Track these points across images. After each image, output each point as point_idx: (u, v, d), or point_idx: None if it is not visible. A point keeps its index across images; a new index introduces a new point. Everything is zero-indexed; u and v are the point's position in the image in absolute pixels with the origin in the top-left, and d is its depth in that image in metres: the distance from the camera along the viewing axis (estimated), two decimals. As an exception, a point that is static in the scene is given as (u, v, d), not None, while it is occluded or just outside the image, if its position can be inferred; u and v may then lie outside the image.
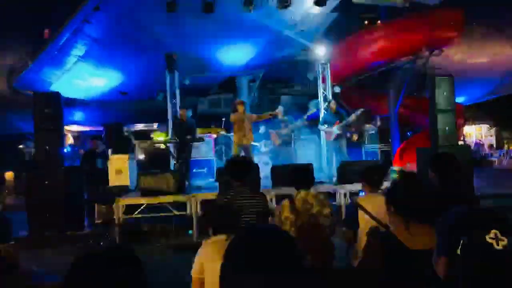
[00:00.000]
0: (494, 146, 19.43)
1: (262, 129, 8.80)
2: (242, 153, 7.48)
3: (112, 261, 0.91)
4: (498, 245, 0.95)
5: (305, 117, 8.52)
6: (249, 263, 0.81)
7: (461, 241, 0.98)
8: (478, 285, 0.95)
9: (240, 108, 7.54)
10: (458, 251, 0.98)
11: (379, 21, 11.62)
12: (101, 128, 11.93)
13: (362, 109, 7.90)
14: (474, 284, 0.96)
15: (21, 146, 13.61)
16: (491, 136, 20.86)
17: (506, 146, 19.14)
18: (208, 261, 2.23)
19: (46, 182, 6.51)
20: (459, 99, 11.65)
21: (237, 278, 0.81)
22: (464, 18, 10.29)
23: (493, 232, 0.96)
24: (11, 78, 10.30)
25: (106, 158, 7.84)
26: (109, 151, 8.58)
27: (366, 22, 11.66)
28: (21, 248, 4.16)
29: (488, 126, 20.91)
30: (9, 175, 11.22)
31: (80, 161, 7.83)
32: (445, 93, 7.13)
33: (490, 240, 0.96)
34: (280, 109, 8.60)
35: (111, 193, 6.70)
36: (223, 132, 10.13)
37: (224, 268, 0.85)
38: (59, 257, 5.03)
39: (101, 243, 5.70)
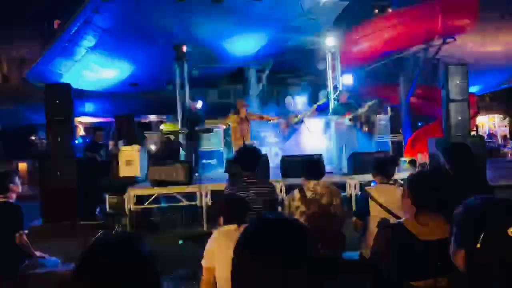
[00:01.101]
0: (508, 136, 19.08)
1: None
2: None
3: (122, 250, 0.90)
4: None
5: (315, 107, 8.45)
6: (262, 252, 0.80)
7: (482, 235, 0.94)
8: (499, 280, 0.92)
9: (242, 112, 7.57)
10: (478, 245, 0.94)
11: (390, 9, 11.40)
12: (112, 120, 12.03)
13: (373, 99, 7.82)
14: (495, 278, 0.92)
15: (33, 137, 13.81)
16: (505, 126, 20.48)
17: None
18: (218, 250, 2.24)
19: (58, 173, 6.60)
20: (473, 89, 11.42)
21: (250, 266, 0.81)
22: (478, 5, 10.04)
23: None
24: (22, 70, 10.40)
25: (107, 149, 7.91)
26: (120, 142, 8.64)
27: (376, 10, 11.45)
28: (35, 237, 4.23)
29: (501, 116, 20.52)
30: (22, 165, 11.41)
31: (83, 152, 7.90)
32: (458, 82, 7.00)
33: (511, 234, 0.92)
34: (289, 99, 8.56)
35: (122, 183, 6.77)
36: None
37: (236, 257, 0.84)
38: (72, 246, 5.10)
39: (113, 232, 5.77)
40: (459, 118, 6.97)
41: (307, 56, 11.09)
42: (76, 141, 8.59)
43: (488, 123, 20.81)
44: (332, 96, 9.15)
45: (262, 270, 0.79)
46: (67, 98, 6.92)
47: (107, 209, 6.79)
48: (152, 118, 14.79)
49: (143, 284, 0.89)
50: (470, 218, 1.00)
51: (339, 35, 9.35)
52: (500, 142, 17.81)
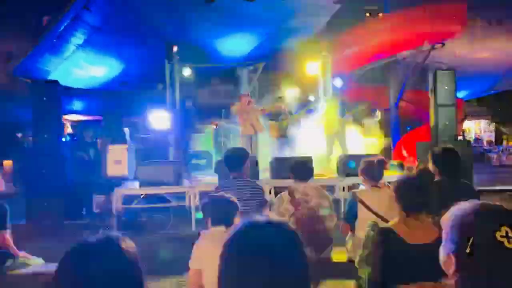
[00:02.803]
0: (493, 141, 19.42)
1: (261, 121, 8.77)
2: (248, 143, 7.52)
3: (104, 251, 0.89)
4: (509, 243, 0.91)
5: (306, 109, 8.48)
6: (249, 255, 0.80)
7: (470, 240, 0.94)
8: (488, 284, 0.92)
9: (244, 100, 7.60)
10: (468, 249, 0.94)
11: (380, 14, 11.50)
12: (100, 118, 11.89)
13: (364, 103, 7.89)
14: (484, 283, 0.93)
15: (19, 135, 13.56)
16: (491, 132, 20.84)
17: (505, 142, 19.13)
18: (206, 252, 2.22)
19: (43, 171, 6.49)
20: (460, 94, 11.59)
21: (237, 269, 0.80)
22: (466, 12, 10.20)
23: (503, 229, 0.92)
24: (9, 66, 10.21)
25: (96, 148, 7.80)
26: (108, 141, 8.54)
27: (367, 14, 11.54)
28: (19, 236, 4.14)
29: (487, 121, 20.88)
30: (7, 163, 11.19)
31: (70, 150, 7.81)
32: (446, 87, 7.09)
33: (500, 238, 0.92)
34: (279, 101, 8.57)
35: (109, 183, 6.69)
36: (222, 123, 10.09)
37: (223, 260, 0.83)
38: (57, 246, 5.02)
39: (99, 233, 5.69)
40: (447, 122, 7.06)
41: (298, 58, 11.12)
42: (64, 139, 8.46)
43: (475, 128, 21.16)
44: (323, 99, 9.18)
45: (249, 273, 0.78)
46: (55, 96, 6.82)
47: (94, 209, 6.70)
48: (142, 117, 14.65)
49: (125, 286, 0.87)
50: (458, 224, 1.00)
51: (331, 38, 9.40)
52: (486, 147, 18.12)
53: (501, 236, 0.92)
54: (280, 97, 9.00)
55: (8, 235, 3.43)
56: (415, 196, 1.87)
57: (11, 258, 3.46)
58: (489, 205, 1.01)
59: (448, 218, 1.04)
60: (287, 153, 8.04)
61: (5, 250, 3.42)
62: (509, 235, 0.92)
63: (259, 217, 0.89)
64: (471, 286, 0.94)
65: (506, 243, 0.91)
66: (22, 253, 3.58)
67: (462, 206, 1.03)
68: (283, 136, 8.33)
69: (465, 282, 0.96)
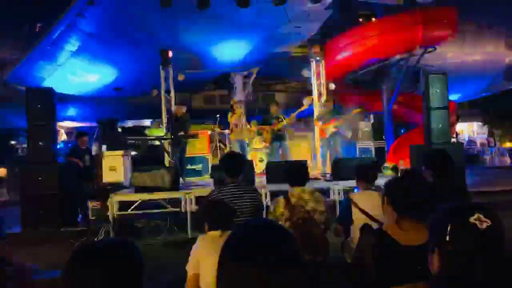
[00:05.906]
0: (487, 143, 19.61)
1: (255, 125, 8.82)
2: (239, 149, 7.66)
3: (111, 255, 0.91)
4: (482, 225, 1.01)
5: (297, 112, 8.47)
6: (248, 258, 0.82)
7: (448, 226, 1.04)
8: (467, 265, 0.98)
9: (237, 108, 8.18)
10: (447, 238, 1.03)
11: (373, 19, 11.63)
12: (95, 124, 11.87)
13: (358, 107, 7.95)
14: (463, 264, 0.99)
15: (13, 142, 13.49)
16: (484, 133, 21.04)
17: (498, 143, 19.31)
18: (203, 257, 2.24)
19: (39, 178, 6.47)
20: (453, 97, 11.73)
21: (235, 272, 0.82)
22: (458, 16, 10.35)
23: (476, 215, 1.03)
24: (3, 73, 10.19)
25: (91, 154, 7.78)
26: (103, 147, 8.53)
27: (360, 19, 11.66)
28: (15, 243, 4.13)
29: (480, 123, 21.08)
30: (1, 171, 11.12)
31: (65, 157, 7.78)
32: (438, 91, 7.17)
33: (473, 221, 1.02)
34: (273, 105, 8.60)
35: (105, 189, 6.67)
36: (217, 129, 10.12)
37: (222, 263, 0.85)
38: (53, 253, 5.01)
39: (99, 239, 5.67)
40: (440, 125, 7.13)
41: (292, 63, 11.20)
42: (58, 146, 8.43)
43: (468, 130, 21.36)
44: (317, 103, 9.25)
45: (247, 276, 0.81)
46: (49, 103, 6.80)
47: (89, 216, 6.68)
48: (137, 123, 14.66)
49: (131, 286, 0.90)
50: (439, 220, 1.06)
51: (324, 43, 9.48)
52: (479, 149, 18.28)
53: (474, 220, 1.02)
54: (274, 102, 9.03)
55: (3, 242, 3.43)
56: (408, 198, 1.91)
57: (7, 266, 3.45)
58: (465, 202, 1.10)
59: (431, 217, 1.11)
60: (281, 157, 8.08)
61: (1, 258, 3.40)
62: (481, 219, 1.02)
63: (257, 220, 0.92)
64: (452, 273, 1.00)
65: (478, 225, 1.01)
66: (18, 261, 3.57)
67: (443, 205, 1.10)
68: (276, 140, 8.35)
69: (449, 271, 1.01)
